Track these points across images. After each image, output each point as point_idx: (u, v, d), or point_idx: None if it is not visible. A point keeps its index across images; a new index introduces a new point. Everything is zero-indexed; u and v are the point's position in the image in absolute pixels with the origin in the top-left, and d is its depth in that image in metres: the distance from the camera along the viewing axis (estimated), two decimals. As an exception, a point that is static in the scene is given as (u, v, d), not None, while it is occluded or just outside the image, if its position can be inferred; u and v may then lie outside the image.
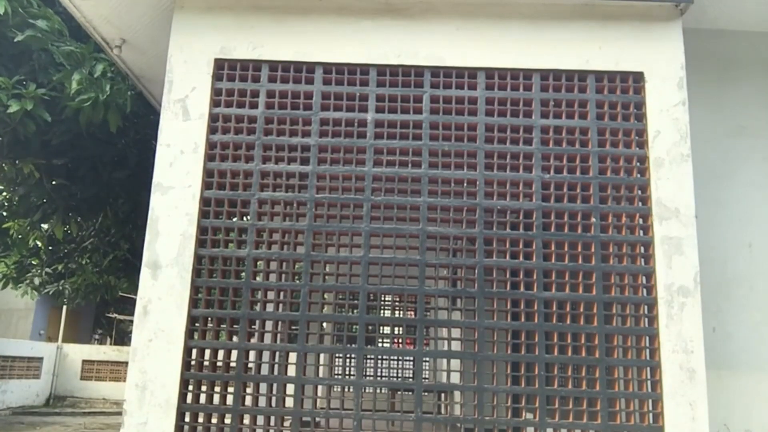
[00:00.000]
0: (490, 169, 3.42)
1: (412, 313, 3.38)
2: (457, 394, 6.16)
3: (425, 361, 4.00)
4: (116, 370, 18.65)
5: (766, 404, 3.61)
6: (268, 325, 3.46)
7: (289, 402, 3.27)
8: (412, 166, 3.43)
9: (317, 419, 3.36)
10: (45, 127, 5.54)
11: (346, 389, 7.42)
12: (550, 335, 3.25)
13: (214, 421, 3.31)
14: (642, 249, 3.32)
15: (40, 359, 17.27)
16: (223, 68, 3.54)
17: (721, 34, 4.00)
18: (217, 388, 3.32)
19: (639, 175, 3.39)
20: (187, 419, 3.21)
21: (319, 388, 6.17)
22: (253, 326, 3.34)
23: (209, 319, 3.35)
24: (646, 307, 3.26)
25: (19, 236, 8.06)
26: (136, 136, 7.13)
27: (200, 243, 3.34)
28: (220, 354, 3.33)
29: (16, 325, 20.17)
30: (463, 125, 3.46)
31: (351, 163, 3.48)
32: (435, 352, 3.38)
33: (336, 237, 3.41)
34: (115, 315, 22.72)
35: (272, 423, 3.32)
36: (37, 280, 9.01)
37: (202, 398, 3.28)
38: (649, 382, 3.17)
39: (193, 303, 3.28)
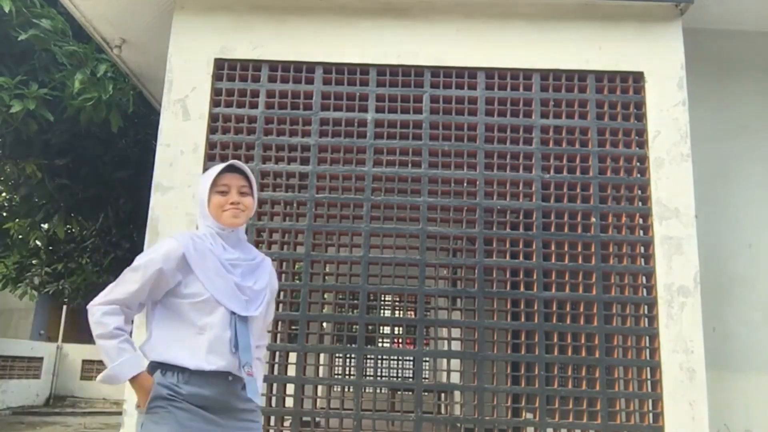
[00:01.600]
0: (490, 169, 3.42)
1: (412, 313, 3.38)
2: (457, 394, 6.15)
3: (425, 361, 3.99)
4: (117, 370, 18.60)
5: (766, 404, 3.60)
6: (268, 324, 3.45)
7: (289, 402, 3.27)
8: (412, 166, 3.43)
9: (317, 419, 3.36)
10: (46, 126, 5.55)
11: (346, 389, 7.42)
12: (550, 335, 3.25)
13: (214, 420, 3.30)
14: (642, 249, 3.32)
15: (40, 359, 17.25)
16: (223, 68, 3.54)
17: (721, 34, 4.00)
18: (217, 388, 3.31)
19: (639, 175, 3.39)
20: (187, 419, 3.20)
21: (319, 388, 6.16)
22: (253, 326, 3.33)
23: (209, 318, 3.35)
24: (646, 307, 3.26)
25: (19, 236, 8.06)
26: (136, 136, 7.13)
27: (200, 243, 3.33)
28: (220, 354, 3.33)
29: (16, 325, 20.17)
30: (463, 125, 3.46)
31: (351, 163, 3.48)
32: (435, 352, 3.38)
33: (336, 237, 3.41)
34: (115, 315, 22.67)
35: (272, 423, 3.32)
36: (36, 280, 9.00)
37: (202, 398, 3.27)
38: (649, 382, 3.17)
39: (193, 303, 3.28)
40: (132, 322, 2.05)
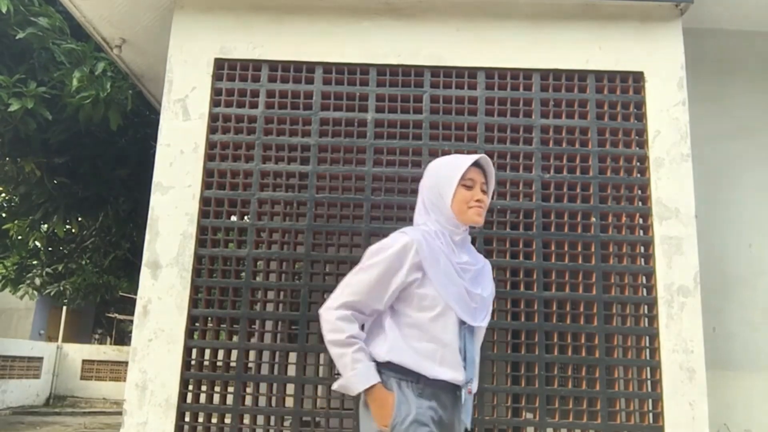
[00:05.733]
0: (490, 169, 3.41)
1: (412, 312, 3.37)
2: (457, 394, 6.15)
3: (425, 361, 3.98)
4: (116, 370, 18.64)
5: (766, 404, 3.61)
6: (268, 325, 3.45)
7: (289, 402, 3.27)
8: (412, 166, 3.43)
9: (317, 419, 3.35)
10: (45, 125, 5.55)
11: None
12: (550, 335, 3.25)
13: (214, 420, 3.31)
14: (642, 249, 3.32)
15: (40, 359, 17.26)
16: (223, 68, 3.53)
17: (721, 33, 4.00)
18: (217, 388, 3.32)
19: (639, 175, 3.39)
20: (187, 419, 3.21)
21: (319, 388, 6.16)
22: (253, 326, 3.34)
23: (209, 318, 3.35)
24: (646, 307, 3.26)
25: (19, 237, 8.05)
26: (136, 135, 7.13)
27: (200, 243, 3.34)
28: (220, 354, 3.33)
29: (16, 325, 20.17)
30: (463, 125, 3.46)
31: (351, 163, 3.48)
32: (435, 352, 3.36)
33: (336, 237, 3.41)
34: (115, 315, 22.73)
35: (272, 423, 3.32)
36: (38, 281, 8.99)
37: (202, 398, 3.28)
38: (649, 382, 3.17)
39: (193, 303, 3.28)
40: (363, 328, 1.93)
